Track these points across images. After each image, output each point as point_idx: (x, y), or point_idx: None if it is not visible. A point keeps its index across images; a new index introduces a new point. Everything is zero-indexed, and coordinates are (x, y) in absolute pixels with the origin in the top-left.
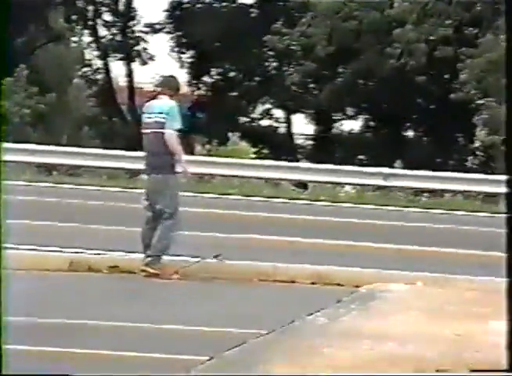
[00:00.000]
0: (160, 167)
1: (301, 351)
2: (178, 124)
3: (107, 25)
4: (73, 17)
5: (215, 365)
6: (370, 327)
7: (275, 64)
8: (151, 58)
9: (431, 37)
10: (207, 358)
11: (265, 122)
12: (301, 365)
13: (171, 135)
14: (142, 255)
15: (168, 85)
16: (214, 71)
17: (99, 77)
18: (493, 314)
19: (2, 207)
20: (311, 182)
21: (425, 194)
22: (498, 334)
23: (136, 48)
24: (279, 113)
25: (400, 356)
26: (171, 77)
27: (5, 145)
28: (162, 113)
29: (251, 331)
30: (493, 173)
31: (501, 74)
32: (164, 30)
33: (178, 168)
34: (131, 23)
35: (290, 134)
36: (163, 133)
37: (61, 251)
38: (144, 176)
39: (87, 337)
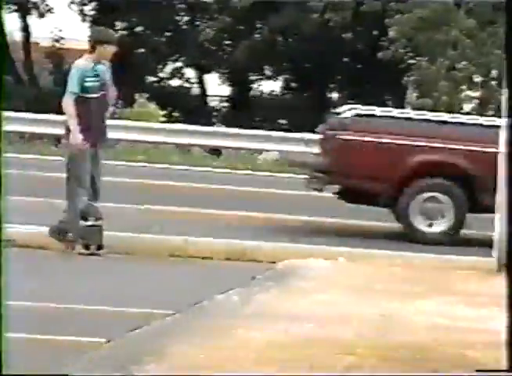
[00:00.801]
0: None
1: (210, 332)
2: (73, 87)
3: None
4: None
5: (113, 347)
6: (287, 306)
7: (186, 18)
8: (49, 10)
9: None
10: (105, 340)
11: (175, 82)
12: (209, 347)
13: (64, 100)
14: (37, 228)
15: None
16: (119, 25)
17: None
18: (421, 293)
19: None
20: (226, 148)
21: None
22: (424, 315)
23: None
24: (190, 72)
25: (315, 339)
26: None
27: None
28: None
29: (157, 311)
30: None
31: (433, 32)
32: None
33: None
34: None
35: (203, 95)
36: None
37: None
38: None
39: None
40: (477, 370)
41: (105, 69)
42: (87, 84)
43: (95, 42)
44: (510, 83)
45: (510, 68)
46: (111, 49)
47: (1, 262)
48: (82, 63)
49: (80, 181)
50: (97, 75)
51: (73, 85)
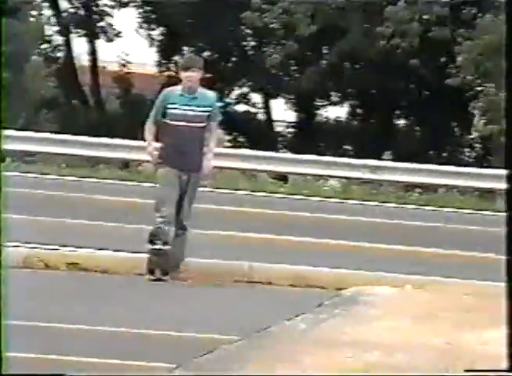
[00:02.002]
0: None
1: (276, 358)
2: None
3: None
4: None
5: (182, 372)
6: (353, 333)
7: (253, 44)
8: (117, 35)
9: (425, 17)
10: (175, 366)
11: (241, 107)
12: (277, 374)
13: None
14: (105, 252)
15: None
16: (186, 50)
17: (59, 54)
18: (487, 322)
19: None
20: (291, 174)
21: (416, 189)
22: (492, 344)
23: (101, 23)
24: (257, 97)
25: (382, 366)
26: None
27: None
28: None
29: (223, 337)
30: (491, 167)
31: (501, 58)
32: (132, 4)
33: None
34: None
35: (268, 121)
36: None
37: (14, 246)
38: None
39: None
40: (479, 370)
41: (209, 99)
42: (168, 110)
43: (181, 68)
44: (510, 84)
45: (510, 69)
46: (196, 75)
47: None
48: (169, 89)
49: (156, 204)
50: (185, 104)
51: (152, 111)
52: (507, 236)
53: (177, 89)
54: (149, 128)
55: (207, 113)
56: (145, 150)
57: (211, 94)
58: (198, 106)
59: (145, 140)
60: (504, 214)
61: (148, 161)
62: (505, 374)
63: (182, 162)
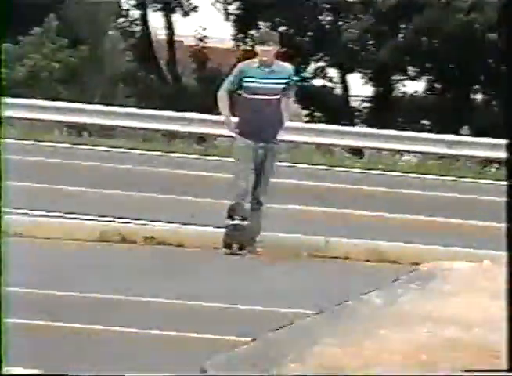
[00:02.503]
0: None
1: (354, 333)
2: (224, 83)
3: None
4: None
5: (257, 347)
6: (431, 309)
7: (330, 18)
8: (193, 9)
9: None
10: (250, 339)
11: (318, 82)
12: (353, 349)
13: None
14: (182, 226)
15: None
16: (262, 25)
17: (136, 29)
18: None
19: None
20: (367, 148)
21: (495, 165)
22: None
23: None
24: (333, 72)
25: (461, 342)
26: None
27: (33, 101)
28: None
29: (299, 311)
30: None
31: None
32: None
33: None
34: None
35: (345, 95)
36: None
37: (91, 220)
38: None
39: (122, 313)
40: (479, 370)
41: (287, 71)
42: (245, 84)
43: (256, 43)
44: (510, 84)
45: (510, 69)
46: (272, 49)
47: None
48: (246, 63)
49: (233, 178)
50: (262, 77)
51: (226, 81)
52: (507, 206)
53: (254, 62)
54: (223, 100)
55: (282, 86)
56: (221, 124)
57: (289, 66)
58: (275, 79)
59: (220, 113)
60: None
61: (224, 136)
62: (505, 374)
63: (259, 134)
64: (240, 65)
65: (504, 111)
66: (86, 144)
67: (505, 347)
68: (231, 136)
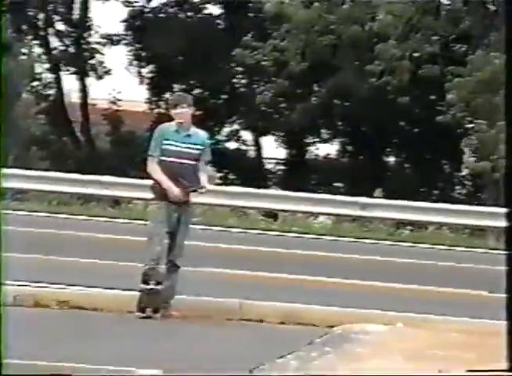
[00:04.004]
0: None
1: None
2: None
3: (60, 35)
4: (23, 26)
5: None
6: (345, 371)
7: (244, 81)
8: (107, 72)
9: (416, 54)
10: None
11: (232, 145)
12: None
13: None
14: (105, 291)
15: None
16: (176, 88)
17: (49, 92)
18: (478, 359)
19: None
20: (282, 211)
21: (407, 227)
22: None
23: (91, 61)
24: (247, 135)
25: None
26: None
27: None
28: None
29: (213, 375)
30: (482, 204)
31: (492, 95)
32: (122, 42)
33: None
34: (86, 33)
35: (259, 158)
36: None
37: (3, 284)
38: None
39: None
40: (479, 370)
41: (201, 138)
42: (163, 146)
43: (171, 106)
44: (510, 84)
45: (510, 70)
46: (187, 111)
47: None
48: (164, 125)
49: (147, 242)
50: (180, 141)
51: (151, 148)
52: (507, 275)
53: (172, 125)
54: (156, 170)
55: (199, 152)
56: (135, 187)
57: (203, 133)
58: (191, 144)
59: (155, 180)
60: (495, 252)
61: (138, 199)
62: (505, 374)
63: (174, 197)
64: (160, 127)
65: (505, 181)
66: (1, 208)
67: (505, 347)
68: (145, 199)
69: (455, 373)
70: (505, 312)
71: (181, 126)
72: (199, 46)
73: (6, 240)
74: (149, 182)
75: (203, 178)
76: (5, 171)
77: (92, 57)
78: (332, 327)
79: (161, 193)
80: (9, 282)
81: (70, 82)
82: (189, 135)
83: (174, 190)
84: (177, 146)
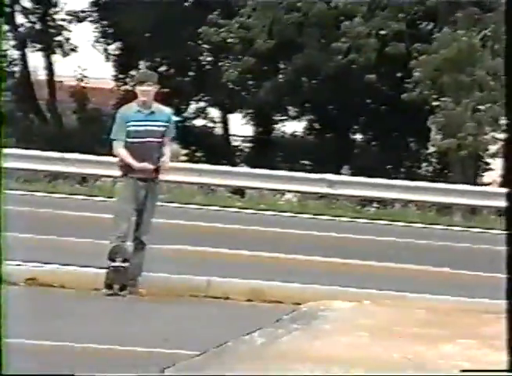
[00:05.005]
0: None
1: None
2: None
3: (26, 12)
4: None
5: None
6: (312, 349)
7: (210, 59)
8: (73, 49)
9: (382, 32)
10: None
11: (198, 122)
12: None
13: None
14: (72, 268)
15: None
16: (142, 65)
17: (15, 69)
18: (444, 336)
19: None
20: (248, 188)
21: (374, 204)
22: (450, 358)
23: (57, 38)
24: (214, 112)
25: None
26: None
27: None
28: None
29: (181, 352)
30: (448, 182)
31: (458, 73)
32: (89, 19)
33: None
34: (52, 10)
35: (226, 135)
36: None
37: None
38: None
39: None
40: (479, 370)
41: (165, 114)
42: (128, 128)
43: (136, 83)
44: (510, 84)
45: (510, 72)
46: (151, 89)
47: None
48: (125, 108)
49: (114, 219)
50: (143, 119)
51: (114, 132)
52: (508, 257)
53: (133, 106)
54: (122, 152)
55: (163, 129)
56: (103, 164)
57: (167, 109)
58: (155, 121)
59: (123, 163)
60: (460, 228)
61: (106, 176)
62: (505, 374)
63: (141, 174)
64: (121, 110)
65: (503, 160)
66: None
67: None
68: (113, 176)
69: (446, 373)
70: (505, 293)
71: (143, 104)
72: (165, 23)
73: None
74: (116, 159)
75: (166, 156)
76: None
77: (59, 34)
78: (298, 304)
79: (128, 170)
80: None
81: (36, 59)
82: (152, 113)
83: (138, 164)
84: (140, 125)
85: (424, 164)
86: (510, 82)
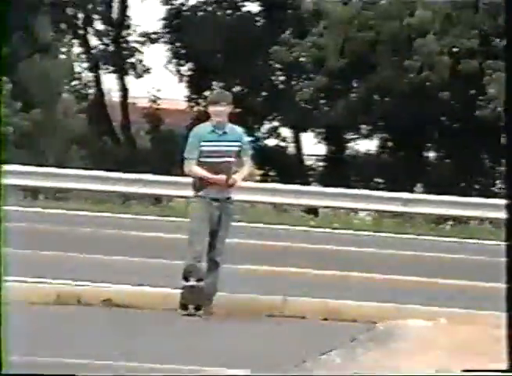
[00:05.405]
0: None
1: None
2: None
3: (99, 34)
4: (62, 26)
5: None
6: (391, 368)
7: (282, 78)
8: (147, 70)
9: (455, 49)
10: None
11: (271, 142)
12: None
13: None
14: (147, 288)
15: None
16: (215, 85)
17: (89, 91)
18: None
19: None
20: (322, 207)
21: (449, 222)
22: None
23: (130, 59)
24: (287, 131)
25: None
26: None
27: None
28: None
29: (258, 374)
30: None
31: None
32: (161, 40)
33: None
34: (124, 32)
35: (299, 155)
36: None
37: (47, 283)
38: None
39: None
40: (478, 370)
41: (238, 134)
42: (200, 148)
43: (210, 103)
44: (510, 85)
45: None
46: (225, 109)
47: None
48: (198, 127)
49: (189, 239)
50: (216, 140)
51: (187, 151)
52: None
53: (206, 126)
54: (195, 169)
55: (237, 149)
56: (176, 185)
57: (240, 129)
58: (228, 141)
59: (198, 180)
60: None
61: (179, 196)
62: (505, 374)
63: (215, 195)
64: (195, 130)
65: (506, 172)
66: (41, 207)
67: (505, 347)
68: (186, 197)
69: (454, 372)
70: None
71: (217, 125)
72: (237, 44)
73: (49, 238)
74: (190, 179)
75: (240, 174)
76: (46, 170)
77: (132, 56)
78: (374, 322)
79: (202, 189)
80: (52, 281)
81: (109, 81)
82: (225, 133)
83: (218, 177)
84: (214, 145)
85: (498, 181)
86: (510, 83)
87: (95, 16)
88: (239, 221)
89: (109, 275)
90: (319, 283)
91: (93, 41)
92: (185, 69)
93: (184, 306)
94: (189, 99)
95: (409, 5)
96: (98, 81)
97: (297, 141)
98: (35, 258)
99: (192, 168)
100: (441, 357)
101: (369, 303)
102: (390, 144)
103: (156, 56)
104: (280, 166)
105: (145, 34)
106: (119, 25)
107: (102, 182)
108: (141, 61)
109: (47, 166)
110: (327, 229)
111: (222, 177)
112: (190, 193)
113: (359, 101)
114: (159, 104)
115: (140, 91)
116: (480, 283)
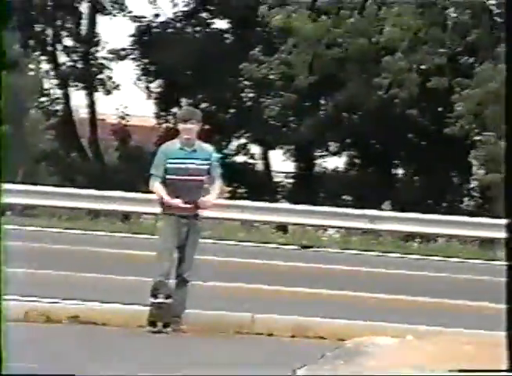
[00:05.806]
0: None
1: None
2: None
3: (68, 51)
4: (30, 42)
5: None
6: None
7: (251, 95)
8: (115, 87)
9: (423, 67)
10: None
11: (240, 158)
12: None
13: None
14: (115, 305)
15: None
16: (184, 102)
17: (58, 107)
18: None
19: None
20: (291, 224)
21: (416, 239)
22: None
23: (99, 76)
24: (255, 148)
25: None
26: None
27: None
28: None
29: None
30: (491, 216)
31: (500, 106)
32: (130, 56)
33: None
34: (93, 49)
35: (267, 171)
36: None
37: (15, 300)
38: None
39: None
40: (479, 370)
41: (208, 152)
42: (168, 165)
43: (179, 121)
44: (510, 85)
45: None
46: (194, 127)
47: None
48: (167, 145)
49: (156, 256)
50: (184, 157)
51: (153, 167)
52: (507, 286)
53: (174, 143)
54: (158, 189)
55: (206, 167)
56: (145, 202)
57: (209, 147)
58: (197, 160)
59: (161, 199)
60: (504, 263)
61: (147, 213)
62: (505, 374)
63: (182, 212)
64: (163, 146)
65: (504, 192)
66: (9, 224)
67: (505, 347)
68: (155, 214)
69: (451, 372)
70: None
71: (186, 142)
72: (206, 61)
73: (15, 255)
74: (156, 196)
75: (212, 194)
76: (14, 186)
77: (100, 72)
78: (342, 340)
79: (168, 207)
80: (20, 298)
81: (78, 98)
82: (194, 151)
83: (175, 201)
84: (182, 163)
85: (466, 199)
86: (510, 83)
87: (64, 33)
88: (208, 238)
89: (78, 292)
90: (287, 301)
91: (62, 57)
92: (154, 86)
93: (152, 323)
94: (158, 116)
95: (377, 23)
96: (66, 97)
97: (265, 158)
98: (2, 276)
99: (156, 185)
100: (410, 373)
101: (338, 320)
102: (358, 161)
103: (125, 72)
104: (249, 183)
105: (114, 51)
106: (88, 42)
107: (70, 198)
108: (110, 78)
109: (15, 182)
110: (296, 246)
111: (177, 201)
112: (159, 209)
113: (328, 118)
114: (128, 121)
115: (109, 107)
116: (447, 300)
